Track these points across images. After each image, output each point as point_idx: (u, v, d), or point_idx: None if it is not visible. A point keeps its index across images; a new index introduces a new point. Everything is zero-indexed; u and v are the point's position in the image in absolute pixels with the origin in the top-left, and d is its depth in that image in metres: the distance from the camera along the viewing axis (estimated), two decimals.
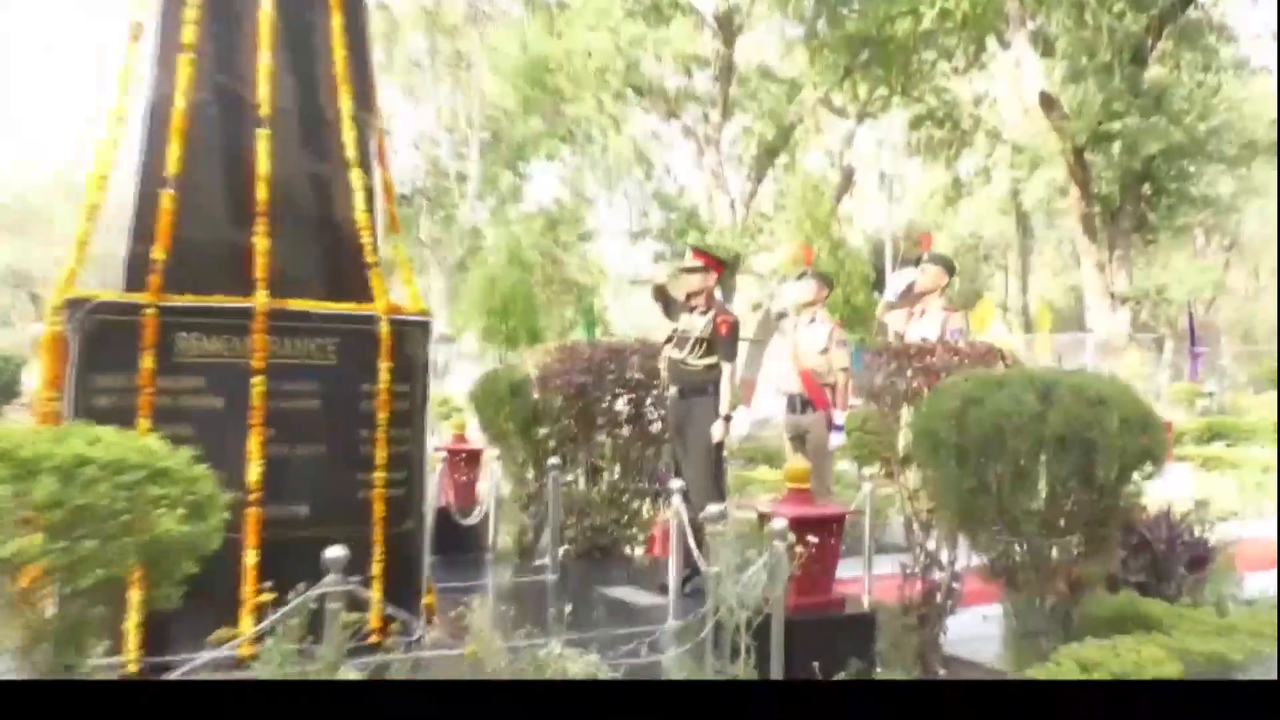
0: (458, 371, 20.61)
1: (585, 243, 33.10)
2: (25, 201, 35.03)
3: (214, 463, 3.09)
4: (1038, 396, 3.92)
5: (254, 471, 4.21)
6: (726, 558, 3.83)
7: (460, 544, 7.14)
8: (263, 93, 4.56)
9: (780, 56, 29.20)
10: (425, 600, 4.77)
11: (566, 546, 6.89)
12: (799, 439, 7.17)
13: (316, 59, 4.82)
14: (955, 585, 4.56)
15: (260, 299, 4.33)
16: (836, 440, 7.19)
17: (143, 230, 4.30)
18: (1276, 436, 11.83)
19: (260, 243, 4.40)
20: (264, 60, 4.61)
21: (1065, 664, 3.44)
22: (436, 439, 7.52)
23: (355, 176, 4.69)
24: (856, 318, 17.57)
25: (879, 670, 4.17)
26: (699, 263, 6.41)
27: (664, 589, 5.55)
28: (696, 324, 6.26)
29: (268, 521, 4.21)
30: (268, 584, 3.59)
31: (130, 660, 3.80)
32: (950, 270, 6.67)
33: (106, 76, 4.52)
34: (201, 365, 4.25)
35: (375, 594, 4.21)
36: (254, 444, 4.23)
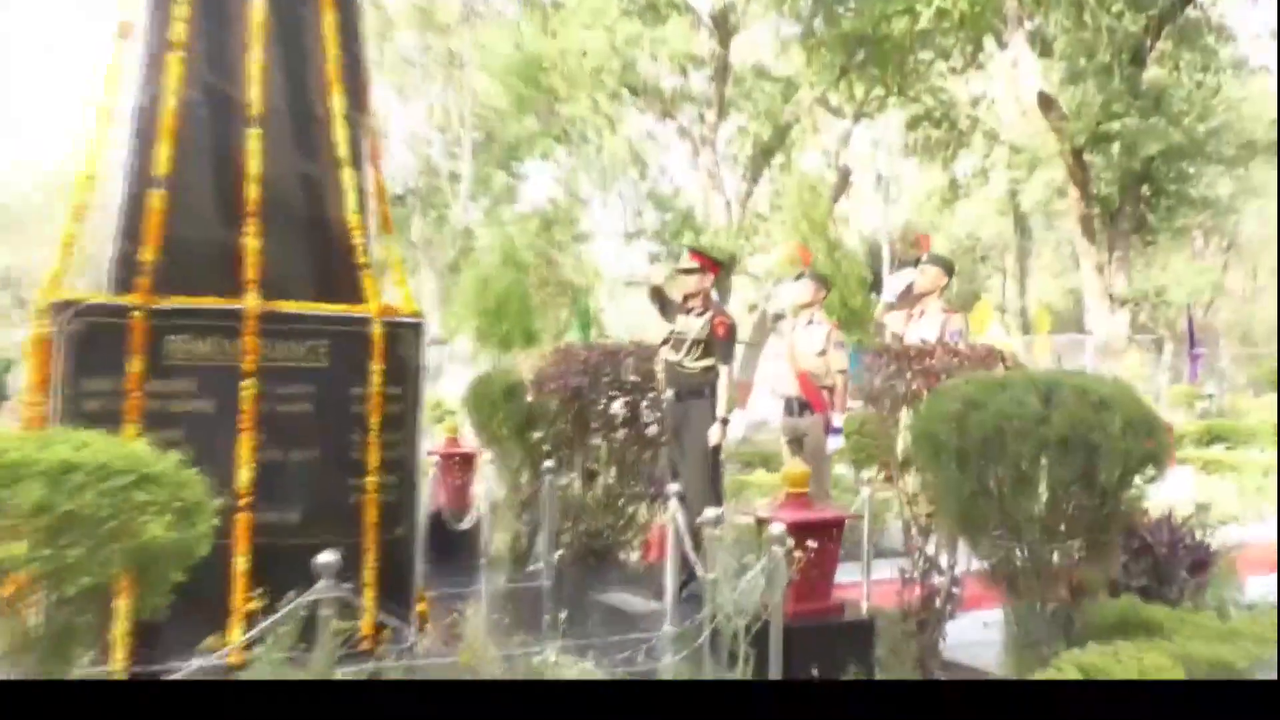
0: (451, 374, 20.53)
1: (580, 243, 32.98)
2: (26, 201, 34.92)
3: (204, 467, 3.05)
4: (1040, 399, 3.88)
5: (244, 476, 4.15)
6: (724, 562, 3.80)
7: (453, 549, 7.10)
8: (254, 92, 4.50)
9: (776, 56, 29.09)
10: (418, 607, 4.72)
11: (561, 551, 6.82)
12: (796, 442, 7.08)
13: (309, 57, 4.75)
14: (955, 590, 4.54)
15: (251, 301, 4.27)
16: (834, 443, 7.15)
17: (131, 231, 4.24)
18: (1276, 439, 11.81)
19: (251, 244, 4.34)
20: (255, 58, 4.55)
21: (1066, 669, 3.41)
22: (429, 443, 7.48)
23: (347, 176, 4.64)
24: (854, 319, 17.50)
25: (878, 676, 4.13)
26: (696, 264, 6.37)
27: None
28: (693, 326, 6.23)
29: (258, 527, 4.16)
30: (258, 591, 3.55)
31: (118, 669, 3.75)
32: (950, 271, 6.64)
33: (99, 75, 4.46)
34: (191, 368, 4.20)
35: (367, 600, 4.18)
36: (244, 448, 4.17)
